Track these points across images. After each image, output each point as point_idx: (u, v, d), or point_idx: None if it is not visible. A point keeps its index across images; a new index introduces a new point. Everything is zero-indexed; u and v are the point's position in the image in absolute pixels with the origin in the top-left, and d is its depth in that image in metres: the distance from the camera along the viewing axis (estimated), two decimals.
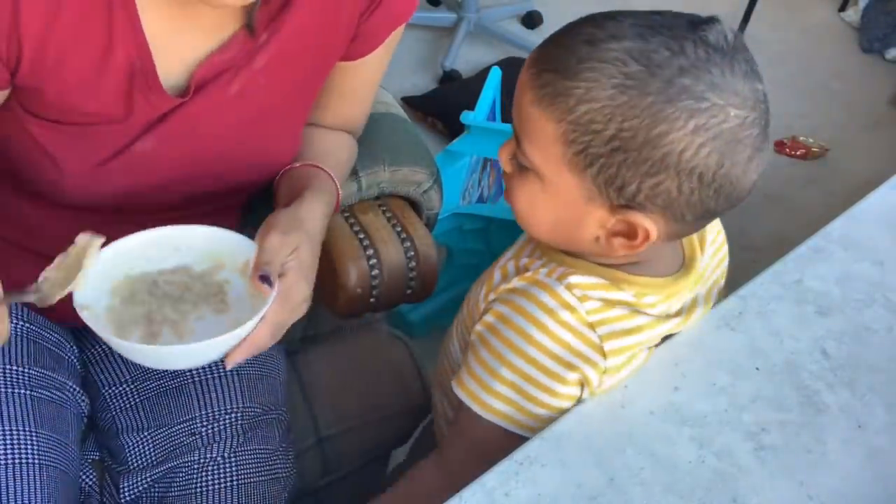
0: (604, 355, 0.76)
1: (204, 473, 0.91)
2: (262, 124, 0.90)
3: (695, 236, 0.84)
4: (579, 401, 0.78)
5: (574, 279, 0.76)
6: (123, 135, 0.84)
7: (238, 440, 0.94)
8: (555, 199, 0.74)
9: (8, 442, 0.85)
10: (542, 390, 0.77)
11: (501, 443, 0.77)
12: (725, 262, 0.91)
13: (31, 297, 0.71)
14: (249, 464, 0.94)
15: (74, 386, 0.95)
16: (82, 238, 0.73)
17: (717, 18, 0.70)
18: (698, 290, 0.85)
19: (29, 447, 0.86)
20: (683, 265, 0.83)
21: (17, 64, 0.78)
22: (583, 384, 0.77)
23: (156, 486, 0.92)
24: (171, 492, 0.91)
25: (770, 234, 2.07)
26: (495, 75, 1.89)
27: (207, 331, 0.76)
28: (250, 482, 0.93)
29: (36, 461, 0.85)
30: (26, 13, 0.75)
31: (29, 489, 0.83)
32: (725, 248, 0.91)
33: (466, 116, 1.73)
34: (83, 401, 0.96)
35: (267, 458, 0.96)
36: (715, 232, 0.89)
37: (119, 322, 0.77)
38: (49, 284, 0.72)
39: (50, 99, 0.81)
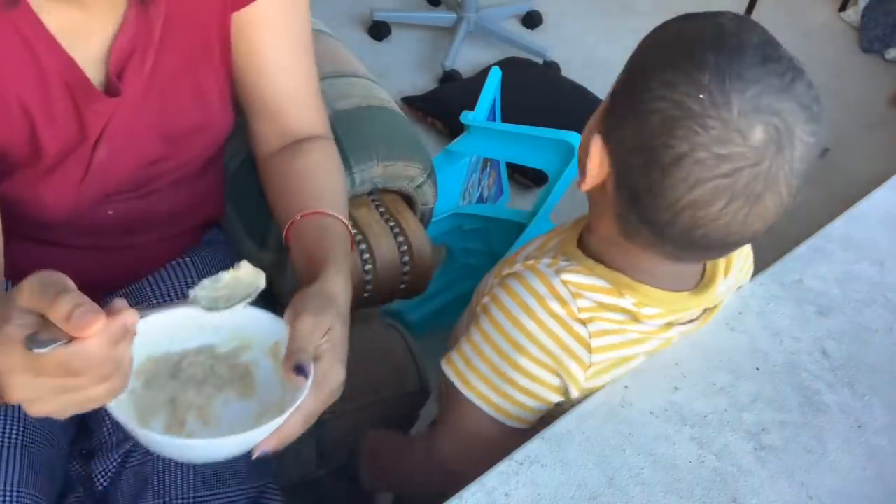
0: (590, 351, 0.77)
1: None
2: (180, 93, 0.89)
3: (722, 262, 0.83)
4: (567, 399, 0.79)
5: (570, 276, 0.77)
6: (84, 154, 0.85)
7: None
8: None
9: None
10: (520, 373, 0.77)
11: (485, 427, 0.79)
12: (745, 281, 0.91)
13: (198, 307, 0.69)
14: None
15: None
16: (247, 266, 0.71)
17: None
18: (707, 305, 0.83)
19: (14, 430, 0.86)
20: (701, 284, 0.81)
21: None
22: (563, 377, 0.77)
23: (121, 466, 0.92)
24: (131, 462, 0.91)
25: (770, 234, 2.07)
26: (495, 75, 1.89)
27: (234, 416, 0.74)
28: None
29: (19, 443, 0.86)
30: None
31: (6, 468, 0.84)
32: (749, 273, 0.91)
33: (466, 116, 1.73)
34: None
35: None
36: (743, 258, 0.88)
37: (142, 407, 0.73)
38: (207, 301, 0.70)
39: (21, 155, 0.82)
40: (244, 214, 1.09)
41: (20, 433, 0.87)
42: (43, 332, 0.56)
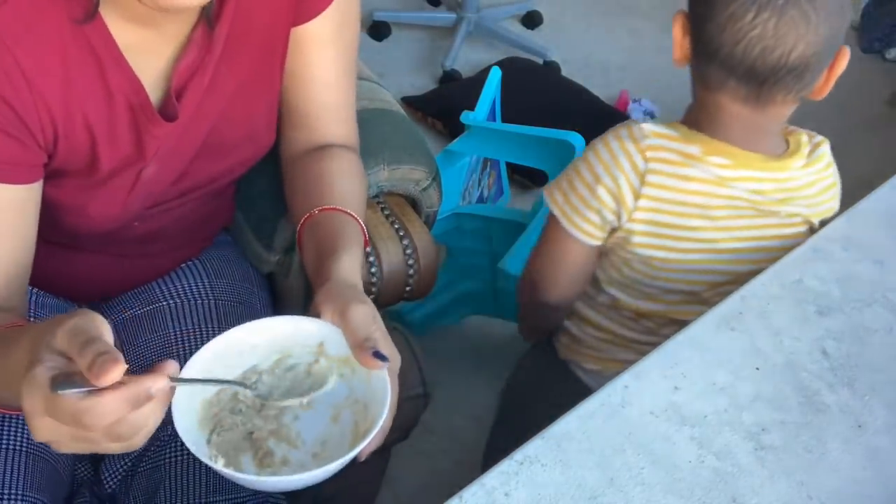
0: (642, 182, 0.97)
1: (173, 445, 0.92)
2: (231, 112, 0.89)
3: (805, 145, 1.01)
4: (619, 224, 1.00)
5: (649, 126, 0.98)
6: (134, 171, 0.85)
7: None
8: None
9: None
10: (586, 187, 1.00)
11: (567, 245, 1.04)
12: (833, 206, 1.05)
13: (249, 391, 0.72)
14: None
15: None
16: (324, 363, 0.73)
17: None
18: (778, 195, 1.00)
19: (19, 434, 0.86)
20: (782, 157, 0.99)
21: (55, 144, 0.78)
22: (616, 198, 0.98)
23: (132, 470, 0.93)
24: (143, 466, 0.92)
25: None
26: (495, 75, 1.88)
27: (312, 428, 0.74)
28: None
29: (23, 448, 0.86)
30: (48, 93, 0.75)
31: (12, 473, 0.84)
32: (834, 193, 1.05)
33: (466, 116, 1.72)
34: None
35: None
36: (829, 170, 1.03)
37: (227, 453, 0.71)
38: (267, 387, 0.72)
39: (77, 168, 0.82)
40: (251, 217, 1.09)
41: (26, 438, 0.87)
42: (75, 377, 0.56)
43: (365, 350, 0.69)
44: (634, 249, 1.01)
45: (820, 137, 1.04)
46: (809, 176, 1.01)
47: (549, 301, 1.10)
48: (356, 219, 0.88)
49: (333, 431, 0.75)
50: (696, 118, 0.99)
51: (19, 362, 0.61)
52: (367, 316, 0.72)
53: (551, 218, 1.05)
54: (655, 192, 0.98)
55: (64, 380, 0.56)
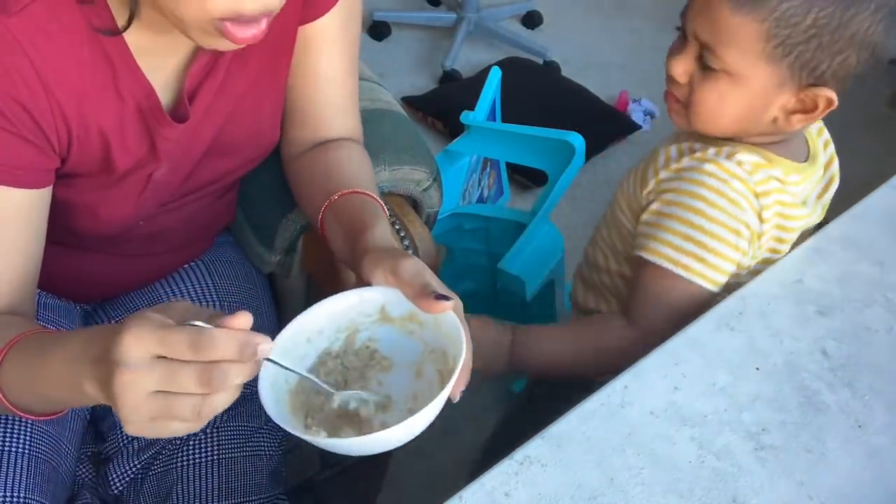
0: (761, 221, 0.94)
1: (185, 449, 0.92)
2: (239, 112, 0.89)
3: (818, 139, 1.03)
4: (741, 264, 0.95)
5: (742, 156, 0.93)
6: (146, 172, 0.85)
7: (221, 417, 0.94)
8: (746, 91, 0.90)
9: (0, 430, 0.86)
10: (720, 242, 0.92)
11: (687, 294, 0.94)
12: (833, 184, 1.05)
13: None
14: (232, 440, 0.94)
15: None
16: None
17: None
18: (816, 189, 1.02)
19: (21, 438, 0.86)
20: (809, 157, 1.00)
21: (69, 148, 0.79)
22: (743, 242, 0.94)
23: (142, 472, 0.93)
24: (154, 469, 0.92)
25: None
26: (495, 75, 1.88)
27: (399, 389, 0.75)
28: (231, 457, 0.93)
29: (25, 451, 0.86)
30: (63, 98, 0.75)
31: (13, 476, 0.84)
32: (834, 166, 1.06)
33: (466, 116, 1.72)
34: None
35: (250, 434, 0.96)
36: (826, 146, 1.05)
37: (330, 433, 0.72)
38: (338, 373, 0.73)
39: (91, 170, 0.82)
40: (252, 217, 1.09)
41: (27, 441, 0.87)
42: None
43: (427, 296, 0.69)
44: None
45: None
46: (821, 161, 1.04)
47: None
48: (376, 199, 0.88)
49: (421, 386, 0.75)
50: (745, 132, 0.95)
51: (74, 354, 0.62)
52: (417, 266, 0.72)
53: (675, 279, 0.95)
54: (768, 228, 0.96)
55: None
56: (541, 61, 2.68)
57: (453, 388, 0.68)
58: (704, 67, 0.91)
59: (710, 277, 0.94)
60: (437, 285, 0.71)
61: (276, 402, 0.68)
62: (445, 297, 0.69)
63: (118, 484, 0.93)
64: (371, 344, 0.77)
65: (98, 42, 0.75)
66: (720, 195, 0.92)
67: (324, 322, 0.75)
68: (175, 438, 0.92)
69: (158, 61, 0.81)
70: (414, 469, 1.53)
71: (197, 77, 0.83)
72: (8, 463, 0.84)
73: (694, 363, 0.82)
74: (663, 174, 0.97)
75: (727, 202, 0.92)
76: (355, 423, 0.73)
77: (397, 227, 1.04)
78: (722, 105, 0.92)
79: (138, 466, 0.92)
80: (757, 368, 0.82)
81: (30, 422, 0.88)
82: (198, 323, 0.58)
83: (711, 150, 0.95)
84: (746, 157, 0.93)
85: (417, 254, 1.03)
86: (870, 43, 0.86)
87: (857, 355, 0.84)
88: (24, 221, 0.77)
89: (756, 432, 0.76)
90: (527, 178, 2.20)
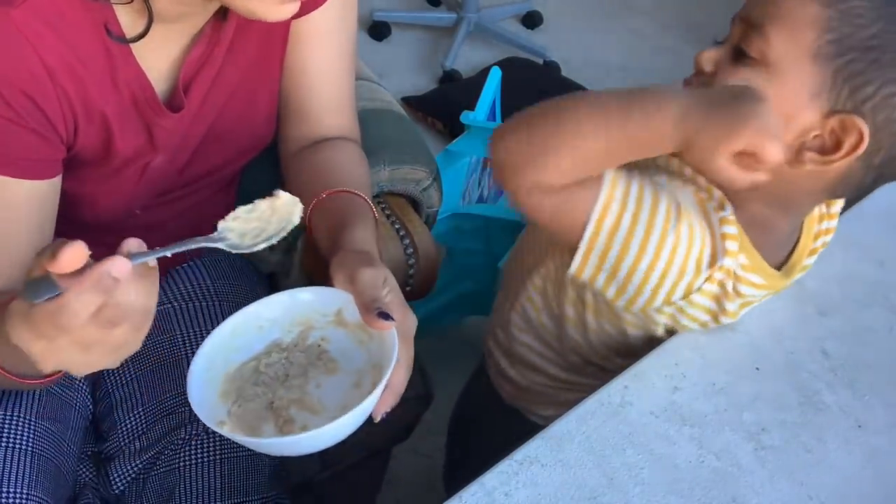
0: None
1: (188, 448, 0.92)
2: (234, 103, 0.90)
3: (807, 244, 0.86)
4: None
5: (744, 275, 0.79)
6: (145, 161, 0.86)
7: None
8: (775, 93, 0.73)
9: (3, 426, 0.86)
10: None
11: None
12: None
13: (220, 244, 0.65)
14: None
15: (82, 384, 0.96)
16: (285, 195, 0.68)
17: None
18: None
19: (24, 435, 0.87)
20: (786, 266, 0.84)
21: (75, 135, 0.79)
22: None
23: (144, 472, 0.93)
24: (157, 469, 0.92)
25: None
26: (495, 75, 1.89)
27: (333, 394, 0.74)
28: (232, 457, 0.93)
29: (29, 449, 0.86)
30: (69, 88, 0.75)
31: (16, 473, 0.84)
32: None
33: (466, 116, 1.73)
34: (90, 399, 0.97)
35: None
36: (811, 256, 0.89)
37: (247, 423, 0.72)
38: (237, 234, 0.67)
39: (93, 157, 0.82)
40: None
41: (29, 439, 0.87)
42: (40, 285, 0.54)
43: (370, 311, 0.69)
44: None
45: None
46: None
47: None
48: (364, 198, 0.88)
49: (355, 397, 0.74)
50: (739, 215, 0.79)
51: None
52: (374, 278, 0.72)
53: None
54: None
55: (30, 290, 0.54)
56: (541, 61, 2.68)
57: (376, 407, 0.68)
58: (739, 56, 0.76)
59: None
60: (392, 301, 0.71)
61: (206, 382, 0.68)
62: (388, 317, 0.69)
63: (119, 484, 0.93)
64: (323, 344, 0.77)
65: (98, 32, 0.76)
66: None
67: (279, 313, 0.75)
68: (176, 438, 0.92)
69: (157, 52, 0.81)
70: (414, 469, 1.53)
71: (192, 67, 0.84)
72: (11, 460, 0.85)
73: (694, 363, 0.82)
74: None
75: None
76: (279, 419, 0.73)
77: (397, 226, 1.04)
78: None
79: (140, 466, 0.92)
80: (757, 368, 0.82)
81: (33, 420, 0.88)
82: (40, 300, 0.54)
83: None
84: (748, 276, 0.80)
85: (418, 253, 1.03)
86: None
87: (857, 355, 0.84)
88: (34, 212, 0.77)
89: (756, 432, 0.76)
90: None
